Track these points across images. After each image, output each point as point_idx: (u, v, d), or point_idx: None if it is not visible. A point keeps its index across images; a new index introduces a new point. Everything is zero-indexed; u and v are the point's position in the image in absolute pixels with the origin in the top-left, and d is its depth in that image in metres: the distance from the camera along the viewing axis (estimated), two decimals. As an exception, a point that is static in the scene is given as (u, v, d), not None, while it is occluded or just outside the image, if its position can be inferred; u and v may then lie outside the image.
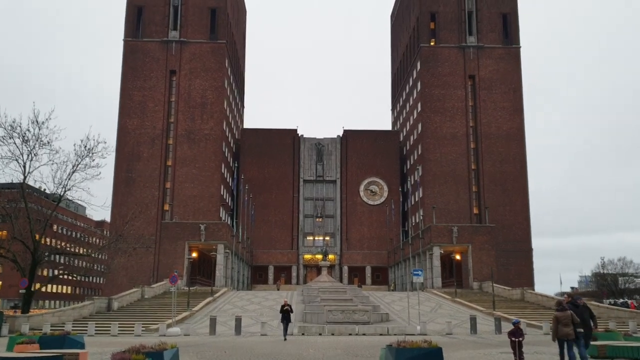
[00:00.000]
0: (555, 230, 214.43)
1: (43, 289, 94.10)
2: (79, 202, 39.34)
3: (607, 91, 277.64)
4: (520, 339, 13.81)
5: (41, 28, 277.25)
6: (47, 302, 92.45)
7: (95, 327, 30.34)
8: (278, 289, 66.02)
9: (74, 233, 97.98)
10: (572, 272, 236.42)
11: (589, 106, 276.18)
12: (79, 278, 79.90)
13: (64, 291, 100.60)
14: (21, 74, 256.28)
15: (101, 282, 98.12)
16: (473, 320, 29.40)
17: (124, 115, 76.58)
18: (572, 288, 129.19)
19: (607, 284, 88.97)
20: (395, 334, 27.82)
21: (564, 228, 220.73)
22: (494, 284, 51.52)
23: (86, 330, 29.56)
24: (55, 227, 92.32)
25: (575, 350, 13.71)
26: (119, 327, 30.36)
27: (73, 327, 30.67)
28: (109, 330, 29.76)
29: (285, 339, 24.32)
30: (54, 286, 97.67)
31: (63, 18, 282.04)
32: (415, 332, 28.37)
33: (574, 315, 13.60)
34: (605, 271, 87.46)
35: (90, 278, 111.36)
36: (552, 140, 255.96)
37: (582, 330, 13.80)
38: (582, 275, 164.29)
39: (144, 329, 30.24)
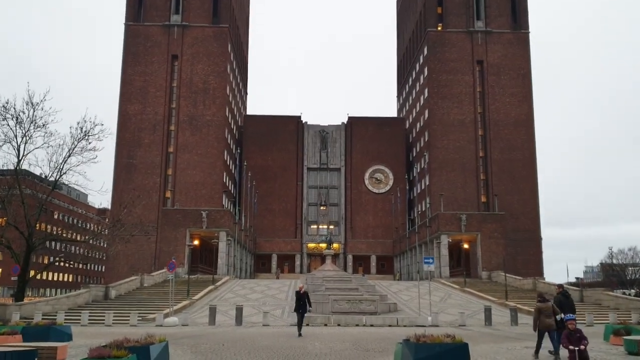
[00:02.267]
0: (560, 220, 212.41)
1: (44, 277, 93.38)
2: (76, 186, 37.90)
3: (617, 79, 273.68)
4: (582, 347, 10.54)
5: (40, 10, 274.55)
6: (47, 290, 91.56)
7: (90, 316, 28.99)
8: (277, 277, 64.65)
9: (74, 220, 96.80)
10: (577, 262, 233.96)
11: (598, 94, 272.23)
12: (76, 265, 78.80)
13: (65, 279, 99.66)
14: (18, 56, 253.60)
15: (102, 270, 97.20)
16: (488, 311, 27.87)
17: (125, 101, 75.01)
18: (577, 278, 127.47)
19: (616, 274, 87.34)
20: (405, 325, 26.37)
21: (569, 218, 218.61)
22: (507, 274, 50.15)
23: (79, 319, 28.22)
24: (56, 214, 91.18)
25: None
26: (114, 316, 29.00)
27: (66, 316, 29.36)
28: (103, 319, 28.40)
29: (300, 335, 19.59)
30: (55, 274, 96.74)
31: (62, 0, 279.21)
32: (426, 323, 26.88)
33: (554, 307, 13.96)
34: (616, 261, 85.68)
35: (92, 266, 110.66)
36: (558, 128, 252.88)
37: (557, 319, 14.21)
38: (588, 265, 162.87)
39: (140, 318, 28.87)
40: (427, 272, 30.75)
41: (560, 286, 15.75)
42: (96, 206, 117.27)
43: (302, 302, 20.36)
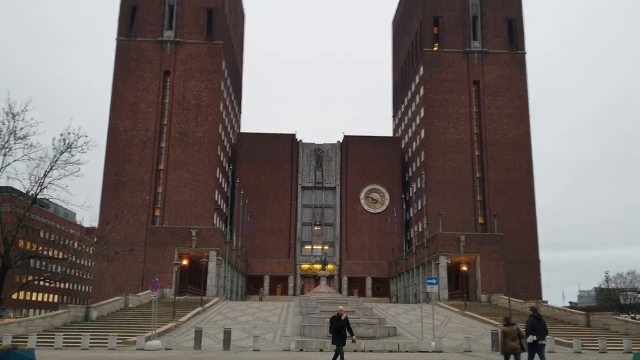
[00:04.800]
0: (552, 242, 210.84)
1: (27, 297, 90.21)
2: (58, 201, 35.86)
3: (616, 100, 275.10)
4: None
5: (29, 23, 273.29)
6: (30, 311, 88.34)
7: (65, 339, 26.81)
8: (261, 299, 62.03)
9: (61, 239, 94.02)
10: (570, 286, 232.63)
11: (596, 115, 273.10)
12: (62, 285, 75.89)
13: (49, 300, 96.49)
14: (3, 68, 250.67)
15: (89, 290, 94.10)
16: (495, 335, 25.98)
17: (115, 117, 73.36)
18: (570, 302, 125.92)
19: (614, 298, 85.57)
20: (407, 351, 24.43)
21: (560, 241, 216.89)
22: (507, 297, 48.28)
23: (54, 342, 26.05)
24: (41, 232, 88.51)
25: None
26: (92, 339, 26.88)
27: (41, 339, 27.18)
28: (80, 342, 26.24)
29: None
30: (38, 294, 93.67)
31: (52, 14, 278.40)
32: (429, 348, 24.96)
33: (520, 330, 14.51)
34: (615, 285, 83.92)
35: (78, 286, 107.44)
36: (554, 150, 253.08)
37: (529, 342, 14.66)
38: (582, 290, 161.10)
39: (120, 341, 26.74)
40: (430, 293, 28.83)
41: (532, 309, 15.91)
42: (84, 225, 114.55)
43: (342, 331, 15.41)
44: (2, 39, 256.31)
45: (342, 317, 15.60)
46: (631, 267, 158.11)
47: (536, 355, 15.15)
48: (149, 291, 44.20)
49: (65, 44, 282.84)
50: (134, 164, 71.76)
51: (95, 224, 57.27)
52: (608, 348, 27.19)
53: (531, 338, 14.61)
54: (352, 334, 15.83)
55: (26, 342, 24.59)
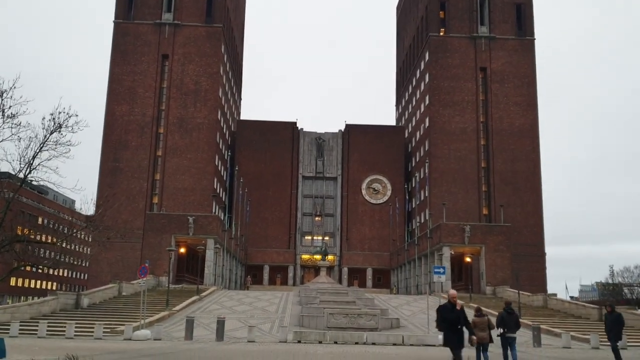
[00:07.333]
0: (553, 236, 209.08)
1: (25, 284, 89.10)
2: (48, 183, 34.33)
3: (622, 92, 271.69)
4: None
5: (25, 5, 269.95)
6: (28, 298, 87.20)
7: (51, 327, 25.35)
8: (247, 288, 60.45)
9: (56, 225, 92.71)
10: (570, 280, 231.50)
11: (605, 105, 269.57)
12: (61, 272, 74.87)
13: (49, 287, 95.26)
14: None
15: (86, 278, 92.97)
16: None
17: (112, 101, 71.58)
18: (571, 297, 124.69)
19: (619, 292, 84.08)
20: (412, 344, 22.91)
21: (562, 235, 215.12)
22: (512, 289, 46.86)
23: (37, 331, 24.56)
24: (40, 219, 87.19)
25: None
26: (80, 328, 25.42)
27: (24, 327, 25.74)
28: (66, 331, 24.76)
29: None
30: (37, 281, 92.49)
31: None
32: (436, 342, 23.45)
33: (490, 321, 14.71)
34: (621, 279, 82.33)
35: (76, 273, 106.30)
36: (559, 141, 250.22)
37: (497, 335, 14.94)
38: (583, 284, 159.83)
39: (107, 330, 25.25)
40: (436, 284, 27.29)
41: (507, 303, 16.39)
42: (84, 212, 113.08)
43: (460, 325, 11.20)
44: None
45: (459, 308, 11.29)
46: (633, 262, 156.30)
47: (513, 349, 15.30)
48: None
49: (61, 27, 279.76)
50: (131, 150, 70.14)
51: (92, 211, 55.89)
52: (628, 344, 25.57)
53: (498, 331, 14.97)
54: (471, 332, 11.70)
55: (8, 329, 23.13)
